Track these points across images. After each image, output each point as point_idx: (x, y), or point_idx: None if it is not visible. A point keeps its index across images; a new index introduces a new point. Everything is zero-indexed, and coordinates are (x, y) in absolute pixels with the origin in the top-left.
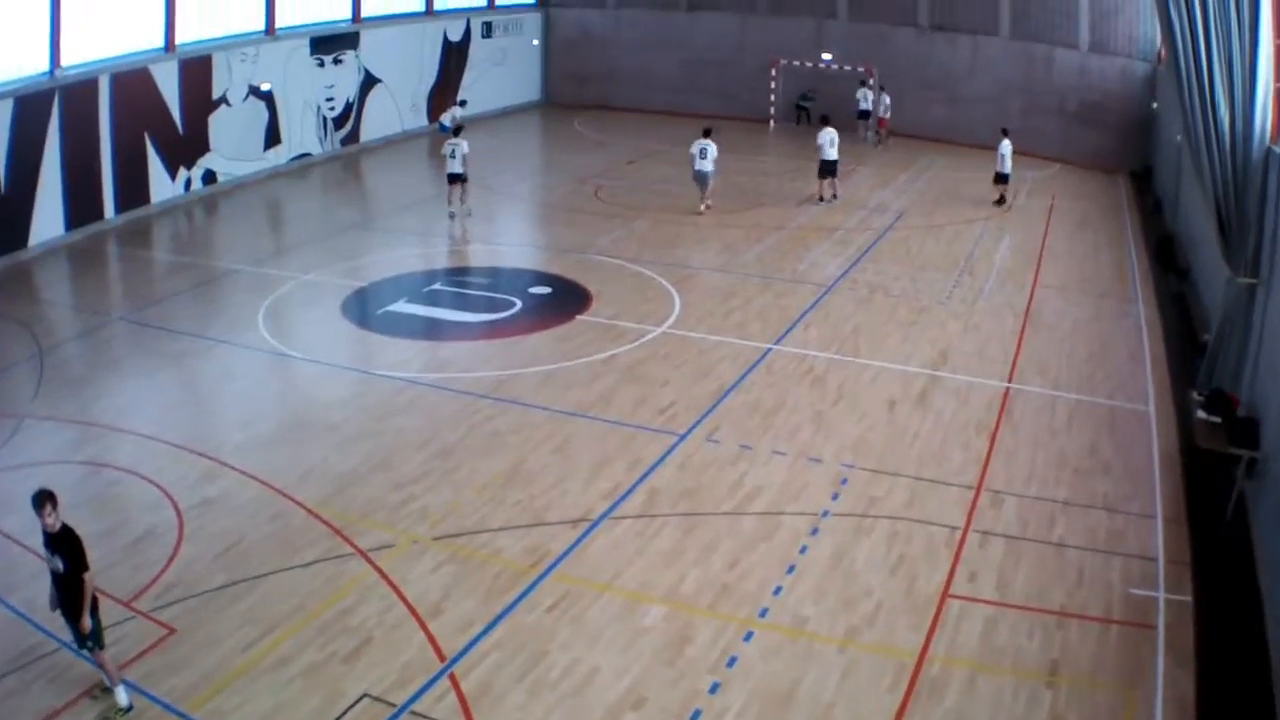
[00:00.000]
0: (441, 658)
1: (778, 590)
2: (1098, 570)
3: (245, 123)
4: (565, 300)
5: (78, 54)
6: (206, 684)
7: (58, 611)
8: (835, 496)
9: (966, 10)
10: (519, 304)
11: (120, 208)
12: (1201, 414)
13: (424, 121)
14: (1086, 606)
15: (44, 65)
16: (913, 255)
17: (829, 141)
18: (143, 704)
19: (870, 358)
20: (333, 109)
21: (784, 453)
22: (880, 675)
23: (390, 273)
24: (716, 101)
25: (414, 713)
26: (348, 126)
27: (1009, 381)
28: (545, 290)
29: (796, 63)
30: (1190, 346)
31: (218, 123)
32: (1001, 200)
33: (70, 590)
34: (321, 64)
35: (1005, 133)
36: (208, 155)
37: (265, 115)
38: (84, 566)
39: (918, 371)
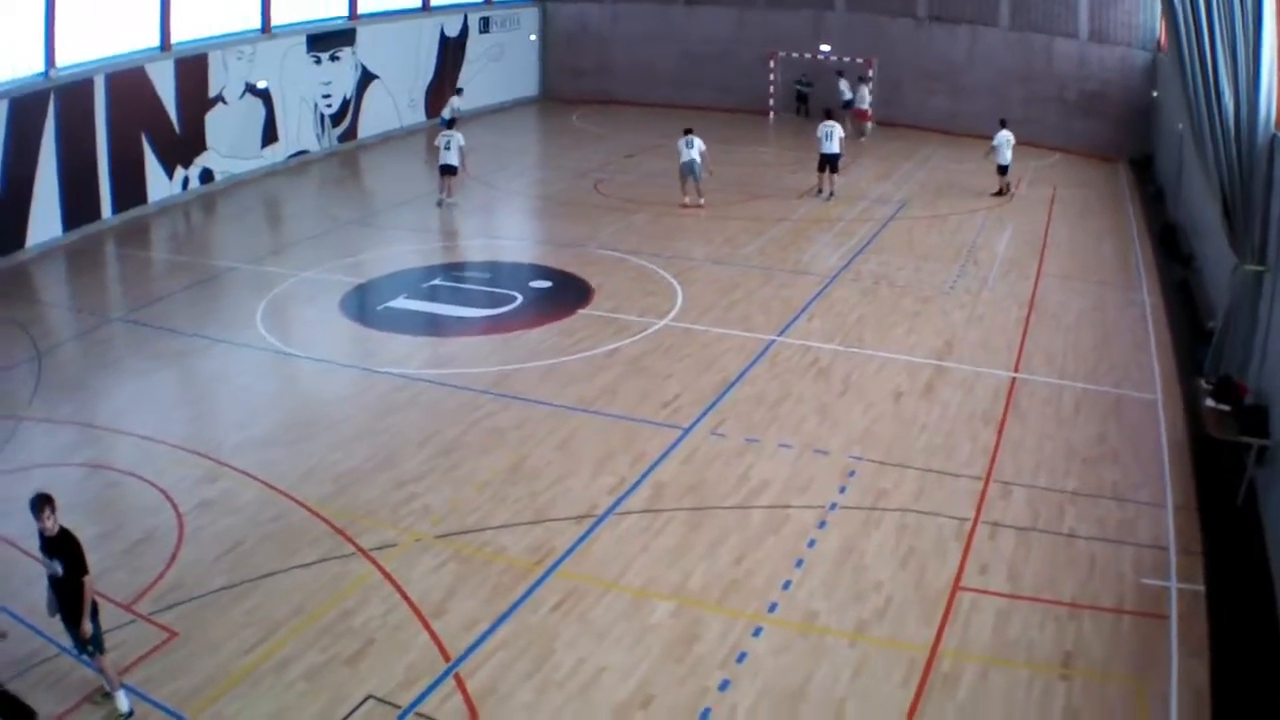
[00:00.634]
0: (446, 658)
1: (787, 585)
2: (1109, 560)
3: (242, 121)
4: (566, 294)
5: (73, 54)
6: (208, 688)
7: (56, 617)
8: (843, 489)
9: (965, 1)
10: (519, 298)
11: (117, 208)
12: (1210, 402)
13: (422, 117)
14: (1098, 597)
15: (39, 66)
16: (915, 245)
17: (827, 135)
18: (144, 709)
19: (875, 349)
20: (330, 106)
21: (790, 445)
22: (892, 670)
23: (389, 269)
24: (714, 94)
25: (419, 714)
26: (345, 123)
27: (1015, 371)
28: (546, 284)
29: (795, 55)
30: (1195, 335)
31: (214, 121)
32: (1001, 192)
33: (69, 595)
34: (318, 61)
35: (1003, 123)
36: (205, 154)
37: (262, 113)
38: (83, 570)
39: (923, 362)
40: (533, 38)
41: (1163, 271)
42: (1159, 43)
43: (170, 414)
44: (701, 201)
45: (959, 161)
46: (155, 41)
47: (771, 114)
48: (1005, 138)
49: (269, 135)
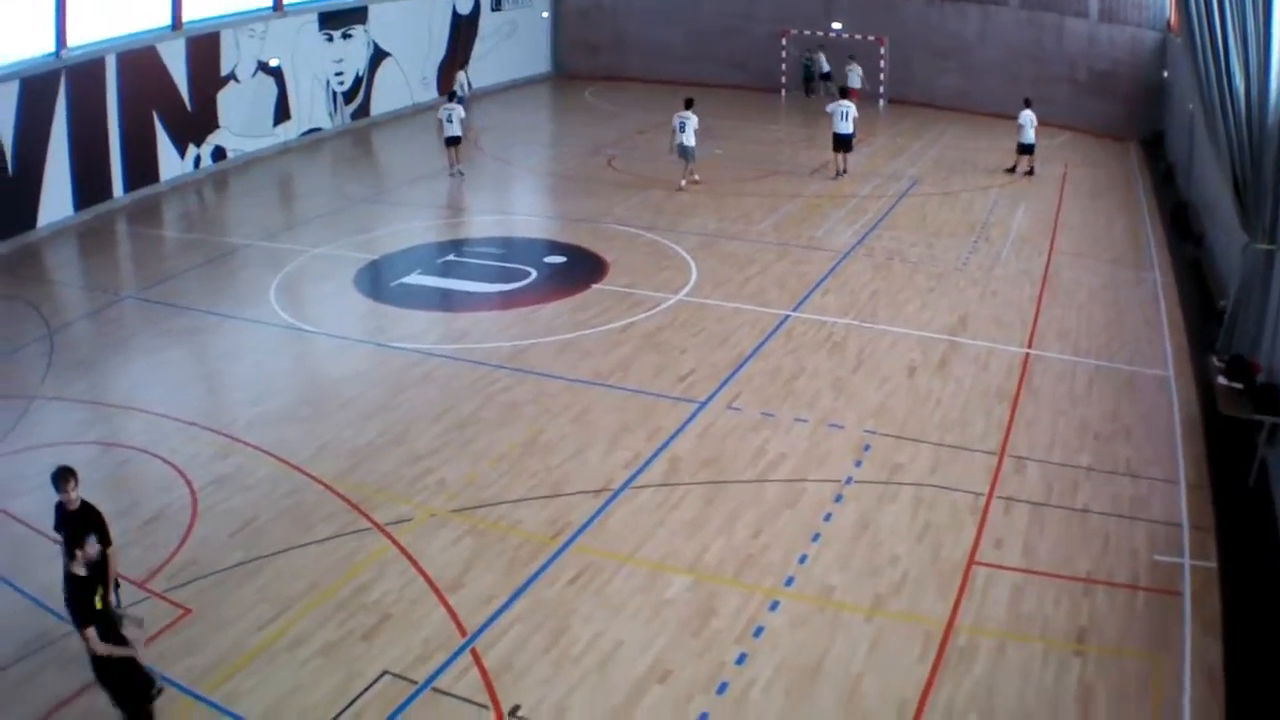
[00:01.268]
0: (463, 633)
1: (803, 559)
2: (1123, 536)
3: (254, 99)
4: (581, 269)
5: (84, 34)
6: (223, 664)
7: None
8: (858, 463)
9: None
10: (534, 274)
11: (129, 186)
12: (1222, 380)
13: (434, 94)
14: (1113, 573)
15: (50, 46)
16: (928, 222)
17: (842, 115)
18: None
19: (889, 324)
20: (342, 84)
21: (805, 420)
22: (909, 644)
23: (403, 245)
24: (726, 71)
25: (436, 689)
26: (357, 101)
27: (1028, 347)
28: (560, 259)
29: (807, 32)
30: (1207, 313)
31: (227, 99)
32: (1014, 170)
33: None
34: (330, 39)
35: (1027, 103)
36: (217, 132)
37: (274, 91)
38: (107, 541)
39: (937, 337)
40: (545, 14)
41: (1174, 250)
42: (1169, 23)
43: (183, 391)
44: (696, 178)
45: (970, 139)
46: (166, 20)
47: (784, 91)
48: (1029, 117)
49: (281, 113)
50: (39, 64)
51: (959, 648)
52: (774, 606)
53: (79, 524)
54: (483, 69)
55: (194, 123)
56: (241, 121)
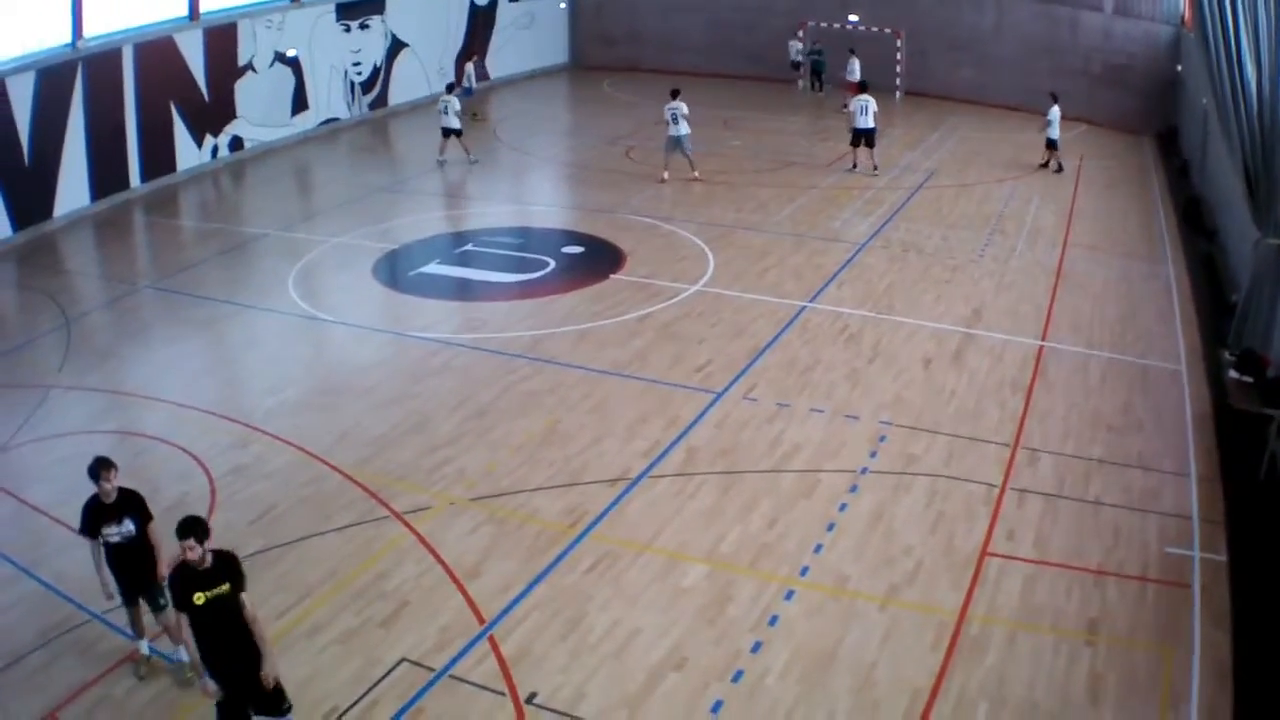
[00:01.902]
0: (481, 620)
1: (818, 548)
2: (1134, 528)
3: (272, 89)
4: (599, 259)
5: (100, 25)
6: None
7: (116, 599)
8: (874, 454)
9: None
10: (552, 264)
11: (146, 176)
12: (1233, 374)
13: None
14: (1124, 565)
15: (66, 36)
16: (944, 214)
17: (862, 109)
18: (176, 674)
19: (905, 315)
20: (360, 74)
21: (821, 410)
22: (922, 633)
23: (421, 235)
24: (744, 63)
25: (453, 676)
26: (375, 91)
27: (1043, 340)
28: (578, 250)
29: (824, 24)
30: (1219, 307)
31: (244, 90)
32: (1047, 165)
33: (141, 554)
34: (348, 29)
35: (1054, 98)
36: (234, 122)
37: (292, 81)
38: (149, 517)
39: (952, 329)
40: (562, 5)
41: (1187, 244)
42: (1183, 17)
43: (201, 380)
44: (668, 174)
45: (985, 131)
46: (184, 11)
47: (800, 82)
48: (1057, 113)
49: (299, 103)
50: (55, 54)
51: (971, 637)
52: (789, 595)
53: (123, 512)
54: (500, 60)
55: (211, 113)
56: (259, 112)
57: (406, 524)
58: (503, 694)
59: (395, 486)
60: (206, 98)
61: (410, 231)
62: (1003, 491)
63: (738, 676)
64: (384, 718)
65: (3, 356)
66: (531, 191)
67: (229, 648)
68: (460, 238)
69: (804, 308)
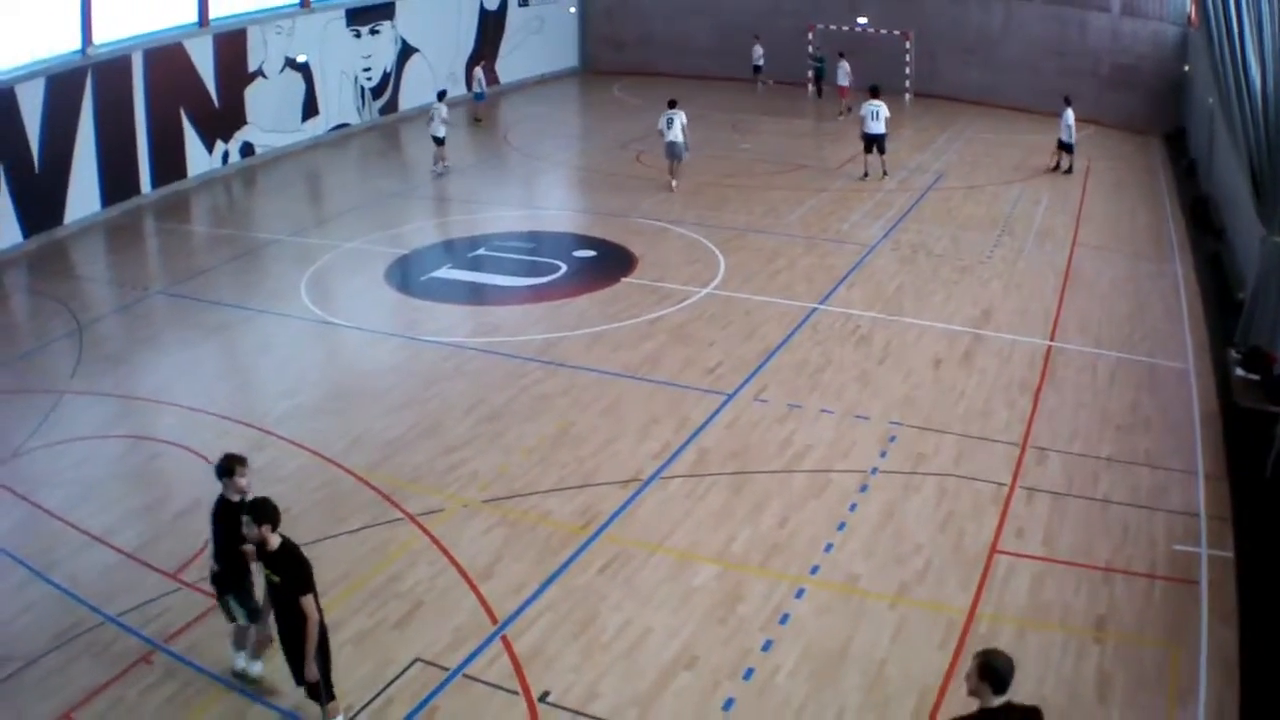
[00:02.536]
0: (494, 620)
1: (828, 547)
2: (1141, 526)
3: (282, 95)
4: (610, 263)
5: (110, 32)
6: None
7: (246, 622)
8: (883, 454)
9: None
10: (564, 267)
11: (157, 182)
12: (1240, 371)
13: (462, 90)
14: (1131, 562)
15: (76, 44)
16: (953, 215)
17: (873, 114)
18: (189, 675)
19: (915, 316)
20: (370, 79)
21: (832, 411)
22: (931, 632)
23: (433, 240)
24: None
25: (467, 676)
26: (386, 96)
27: (1051, 340)
28: (590, 254)
29: (833, 26)
30: (1226, 306)
31: (254, 96)
32: (1057, 167)
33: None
34: (358, 35)
35: (1067, 101)
36: (245, 128)
37: (302, 87)
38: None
39: (961, 330)
40: (572, 10)
41: (1194, 243)
42: (1190, 17)
43: (214, 385)
44: (674, 182)
45: (994, 133)
46: (193, 18)
47: (809, 85)
48: (1071, 116)
49: (309, 109)
50: (65, 61)
51: (980, 635)
52: (800, 594)
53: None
54: (510, 64)
55: (222, 119)
56: (269, 117)
57: (420, 526)
58: (516, 693)
59: (408, 489)
60: (217, 104)
61: (422, 236)
62: (1011, 490)
63: (749, 675)
64: (398, 716)
65: (15, 362)
66: (542, 196)
67: (281, 628)
68: (472, 242)
69: (814, 309)
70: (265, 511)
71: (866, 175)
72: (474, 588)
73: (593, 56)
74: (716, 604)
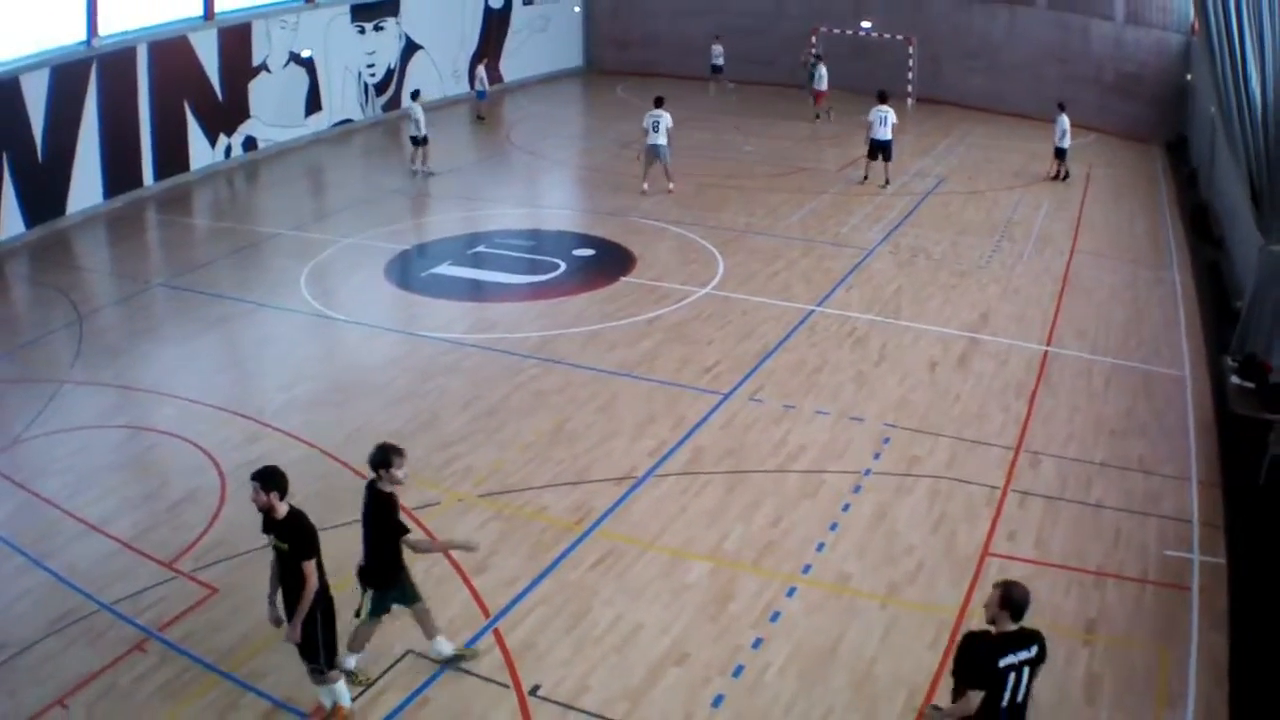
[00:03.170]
0: (486, 613)
1: (820, 547)
2: (1134, 531)
3: (286, 89)
4: (609, 262)
5: (115, 24)
6: (247, 643)
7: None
8: (877, 455)
9: None
10: (563, 266)
11: (159, 175)
12: (1235, 379)
13: (465, 87)
14: (1123, 566)
15: (81, 35)
16: (953, 220)
17: (880, 120)
18: (183, 663)
19: (912, 320)
20: (374, 75)
21: (827, 412)
22: (922, 631)
23: (433, 236)
24: (757, 68)
25: (458, 668)
26: (389, 92)
27: (1048, 345)
28: (589, 253)
29: (836, 30)
30: (1224, 314)
31: (258, 90)
32: (1057, 176)
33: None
34: (362, 31)
35: (1062, 107)
36: (248, 122)
37: (306, 82)
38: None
39: (958, 334)
40: (577, 9)
41: (1194, 252)
42: (1193, 26)
43: (213, 377)
44: (671, 186)
45: (996, 139)
46: (198, 11)
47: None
48: (1065, 122)
49: (313, 104)
50: (70, 53)
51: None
52: (791, 592)
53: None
54: (515, 63)
55: (225, 112)
56: (273, 112)
57: (415, 519)
58: (506, 686)
59: (404, 482)
60: (220, 97)
61: (422, 233)
62: (1004, 493)
63: (738, 671)
64: (390, 707)
65: (16, 351)
66: (543, 194)
67: (284, 594)
68: (472, 239)
69: (812, 311)
70: (274, 479)
71: (866, 179)
72: (467, 581)
73: (597, 56)
74: (708, 601)
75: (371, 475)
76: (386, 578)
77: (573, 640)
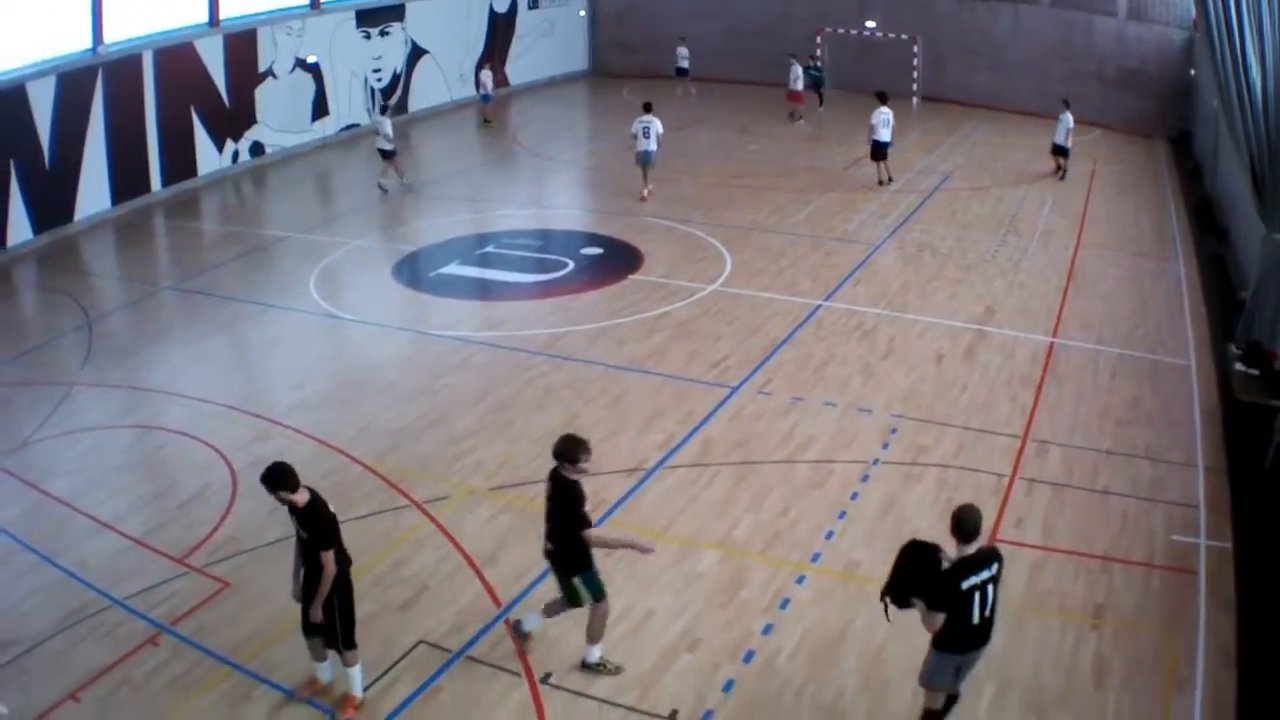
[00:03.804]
0: (497, 604)
1: (829, 535)
2: (1140, 517)
3: (292, 95)
4: (617, 260)
5: (121, 31)
6: (259, 637)
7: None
8: (885, 445)
9: None
10: (571, 265)
11: (167, 181)
12: (1240, 366)
13: (471, 91)
14: (1130, 552)
15: (87, 42)
16: (958, 216)
17: (883, 122)
18: (195, 656)
19: (918, 313)
20: (380, 80)
21: (835, 404)
22: None
23: (441, 237)
24: (762, 69)
25: (470, 658)
26: (396, 97)
27: (1053, 336)
28: (597, 251)
29: (841, 30)
30: (1229, 304)
31: (264, 95)
32: (1058, 170)
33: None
34: (368, 36)
35: (1066, 104)
36: (255, 127)
37: (312, 87)
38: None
39: (965, 327)
40: (582, 13)
41: (1198, 244)
42: (1195, 21)
43: (223, 377)
44: (648, 190)
45: (1001, 136)
46: (204, 18)
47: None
48: (1069, 119)
49: (319, 109)
50: (76, 60)
51: None
52: (800, 580)
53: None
54: (521, 66)
55: (232, 118)
56: (279, 117)
57: (426, 513)
58: (518, 674)
59: (415, 477)
60: (227, 103)
61: (430, 234)
62: (1012, 481)
63: (749, 657)
64: (401, 696)
65: (25, 355)
66: (551, 195)
67: (305, 576)
68: (480, 240)
69: (819, 306)
70: (277, 478)
71: (882, 182)
72: (478, 572)
73: (603, 59)
74: (718, 589)
75: (554, 463)
76: (581, 560)
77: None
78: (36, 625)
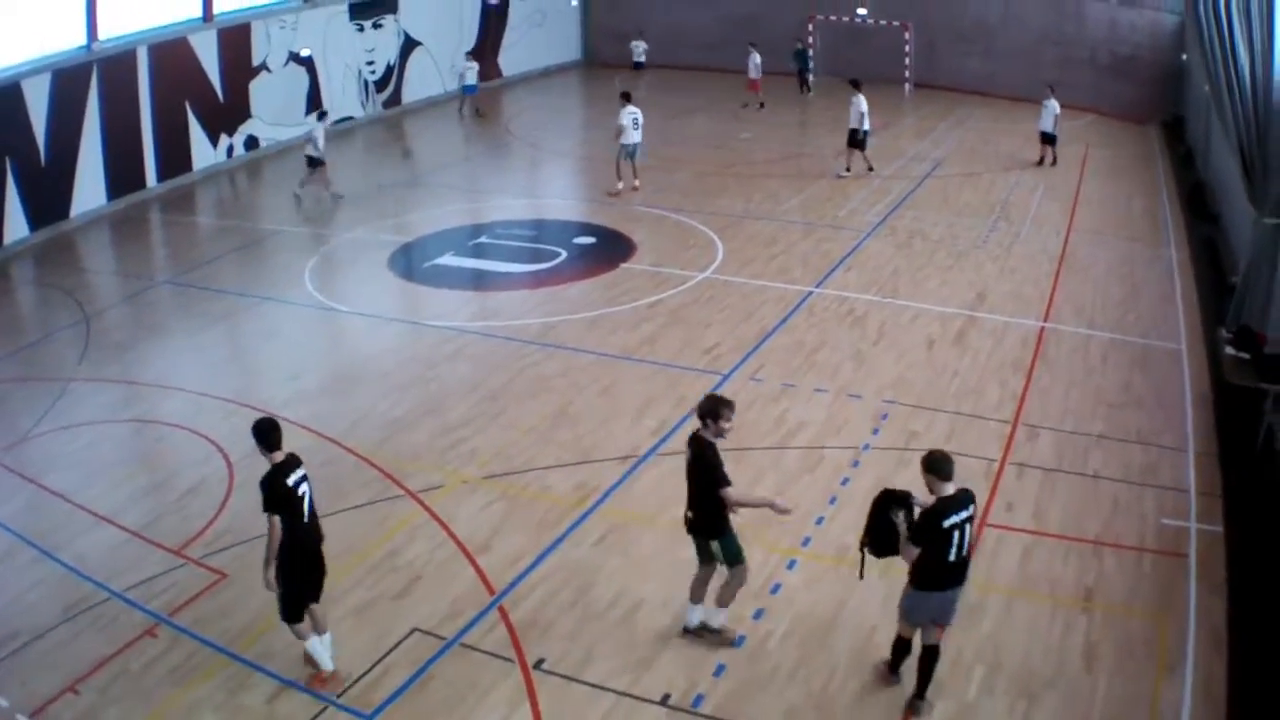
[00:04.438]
0: (491, 591)
1: (820, 520)
2: (1131, 501)
3: (286, 88)
4: (609, 249)
5: (115, 27)
6: (256, 625)
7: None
8: (876, 431)
9: None
10: (564, 254)
11: (162, 176)
12: (1230, 350)
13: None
14: (1120, 536)
15: (81, 39)
16: (950, 202)
17: (862, 110)
18: (192, 646)
19: (909, 299)
20: (373, 72)
21: (826, 390)
22: None
23: (435, 228)
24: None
25: (464, 645)
26: (389, 89)
27: (1045, 321)
28: (589, 240)
29: (833, 17)
30: (1220, 289)
31: (258, 89)
32: (1042, 161)
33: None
34: (361, 29)
35: (1051, 90)
36: (249, 121)
37: (306, 81)
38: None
39: (956, 312)
40: (574, 3)
41: (1190, 229)
42: (1186, 6)
43: (219, 370)
44: (636, 184)
45: (993, 122)
46: (197, 13)
47: (810, 76)
48: (1055, 105)
49: (313, 102)
50: (71, 56)
51: (969, 604)
52: (791, 565)
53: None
54: (513, 57)
55: (226, 113)
56: (274, 111)
57: (420, 502)
58: (511, 660)
59: (409, 467)
60: (221, 98)
61: (424, 225)
62: (1002, 466)
63: (740, 641)
64: (395, 683)
65: (22, 351)
66: (543, 185)
67: None
68: (474, 230)
69: (811, 292)
70: (258, 434)
71: (869, 169)
72: (472, 560)
73: (595, 49)
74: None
75: (698, 425)
76: (718, 525)
77: (576, 615)
78: (37, 618)
